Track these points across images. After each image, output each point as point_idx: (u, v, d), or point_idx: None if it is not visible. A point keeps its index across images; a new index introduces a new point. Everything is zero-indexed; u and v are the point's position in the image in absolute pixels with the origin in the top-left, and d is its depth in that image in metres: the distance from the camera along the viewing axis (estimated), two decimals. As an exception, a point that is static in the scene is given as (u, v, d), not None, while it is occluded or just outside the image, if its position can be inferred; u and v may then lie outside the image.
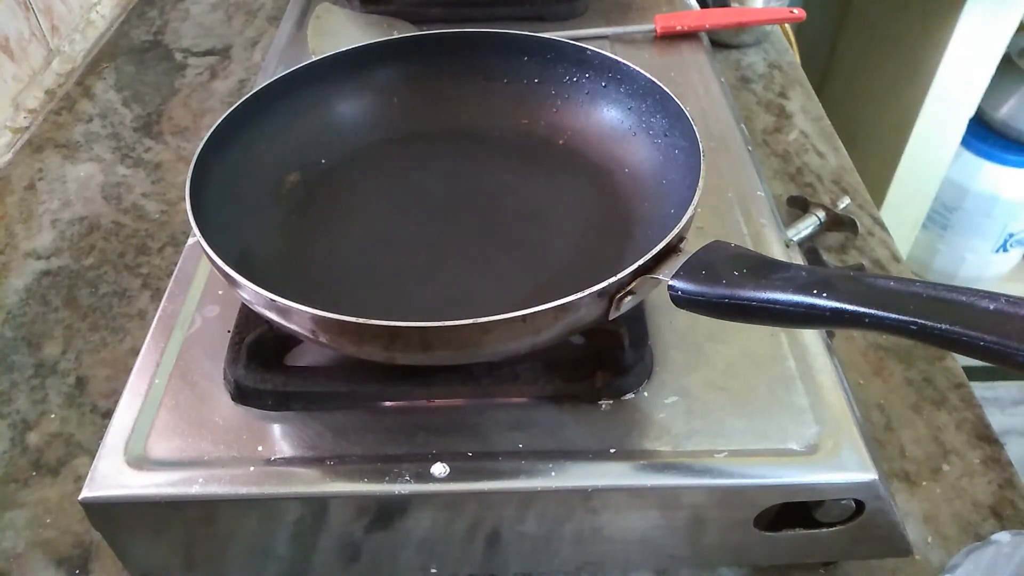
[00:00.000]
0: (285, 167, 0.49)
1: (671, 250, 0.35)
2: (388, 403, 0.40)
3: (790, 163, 0.69)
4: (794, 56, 0.84)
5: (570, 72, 0.52)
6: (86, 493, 0.37)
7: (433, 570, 0.41)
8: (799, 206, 0.63)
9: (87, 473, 0.37)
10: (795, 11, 0.74)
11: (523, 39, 0.52)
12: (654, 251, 0.35)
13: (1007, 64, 1.23)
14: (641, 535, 0.39)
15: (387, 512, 0.38)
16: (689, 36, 0.69)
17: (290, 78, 0.49)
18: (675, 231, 0.36)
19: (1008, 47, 1.14)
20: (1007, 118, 1.31)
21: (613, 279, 0.34)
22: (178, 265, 0.48)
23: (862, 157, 0.76)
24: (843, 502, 0.37)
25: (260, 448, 0.38)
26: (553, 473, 0.37)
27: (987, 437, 0.49)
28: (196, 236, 0.37)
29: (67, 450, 0.49)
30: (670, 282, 0.34)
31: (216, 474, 0.37)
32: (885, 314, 0.29)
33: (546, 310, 0.33)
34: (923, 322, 0.28)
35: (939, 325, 0.28)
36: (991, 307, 0.27)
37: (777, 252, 0.48)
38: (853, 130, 1.20)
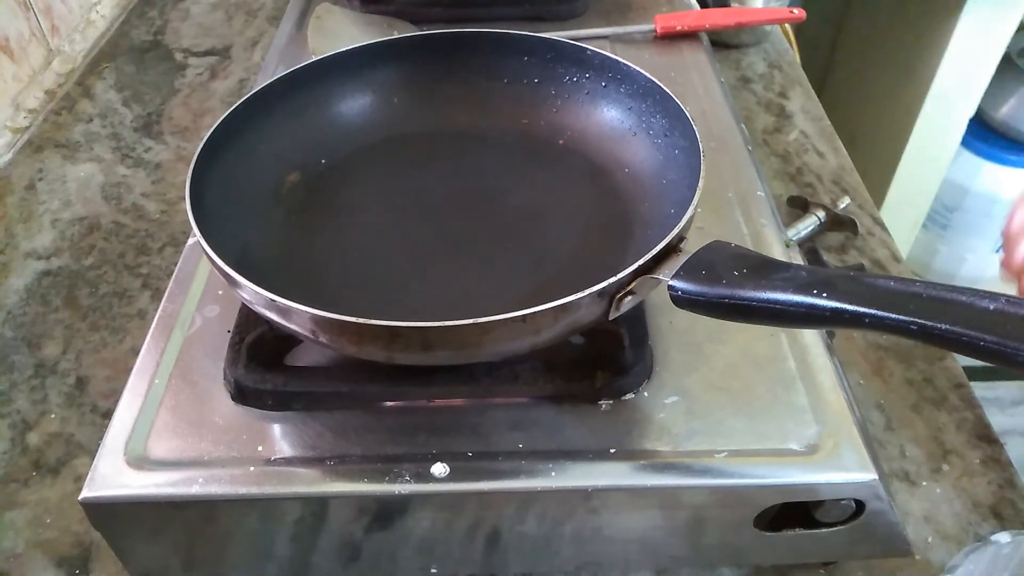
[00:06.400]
0: (285, 167, 0.49)
1: (671, 250, 0.35)
2: (388, 403, 0.40)
3: (790, 163, 0.69)
4: (794, 56, 0.84)
5: (570, 72, 0.52)
6: (86, 493, 0.37)
7: (433, 570, 0.41)
8: (799, 206, 0.63)
9: (87, 473, 0.37)
10: (795, 11, 0.74)
11: (523, 39, 0.52)
12: (654, 251, 0.35)
13: (1007, 64, 1.23)
14: (641, 535, 0.39)
15: (387, 512, 0.38)
16: (689, 36, 0.69)
17: (290, 78, 0.49)
18: (675, 231, 0.35)
19: (1008, 47, 1.14)
20: (1007, 118, 1.31)
21: (613, 279, 0.34)
22: (178, 265, 0.48)
23: (862, 157, 0.76)
24: (843, 502, 0.37)
25: (260, 448, 0.38)
26: (553, 473, 0.37)
27: (987, 437, 0.49)
28: (196, 236, 0.37)
29: (67, 450, 0.49)
30: (670, 282, 0.34)
31: (216, 474, 0.37)
32: (885, 314, 0.29)
33: (546, 310, 0.33)
34: (923, 322, 0.28)
35: (939, 325, 0.28)
36: (991, 307, 0.27)
37: (777, 252, 0.48)
38: (853, 130, 1.20)
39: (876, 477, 0.37)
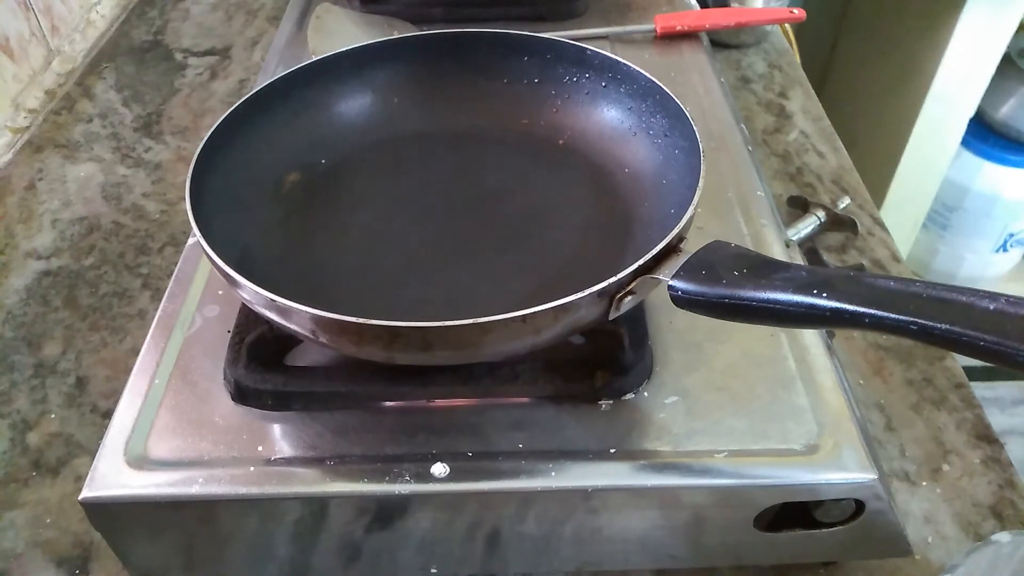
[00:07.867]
0: (285, 167, 0.49)
1: (671, 250, 0.35)
2: (388, 403, 0.40)
3: (790, 163, 0.69)
4: (794, 56, 0.84)
5: (570, 72, 0.52)
6: (86, 493, 0.37)
7: (433, 570, 0.41)
8: (799, 206, 0.63)
9: (87, 473, 0.37)
10: (795, 11, 0.74)
11: (523, 39, 0.52)
12: (654, 251, 0.35)
13: (1007, 64, 1.23)
14: (641, 535, 0.39)
15: (387, 512, 0.38)
16: (689, 36, 0.69)
17: (290, 78, 0.49)
18: (675, 231, 0.36)
19: (1008, 47, 1.14)
20: (1007, 118, 1.31)
21: (613, 279, 0.34)
22: (178, 265, 0.48)
23: (862, 157, 0.76)
24: (843, 502, 0.37)
25: (260, 448, 0.38)
26: (553, 473, 0.37)
27: (987, 437, 0.49)
28: (196, 236, 0.37)
29: (67, 450, 0.49)
30: (670, 282, 0.34)
31: (216, 474, 0.37)
32: (885, 314, 0.29)
33: (546, 310, 0.33)
34: (923, 322, 0.28)
35: (939, 325, 0.28)
36: (991, 307, 0.27)
37: (777, 252, 0.48)
38: (853, 130, 1.20)
39: (876, 477, 0.37)
